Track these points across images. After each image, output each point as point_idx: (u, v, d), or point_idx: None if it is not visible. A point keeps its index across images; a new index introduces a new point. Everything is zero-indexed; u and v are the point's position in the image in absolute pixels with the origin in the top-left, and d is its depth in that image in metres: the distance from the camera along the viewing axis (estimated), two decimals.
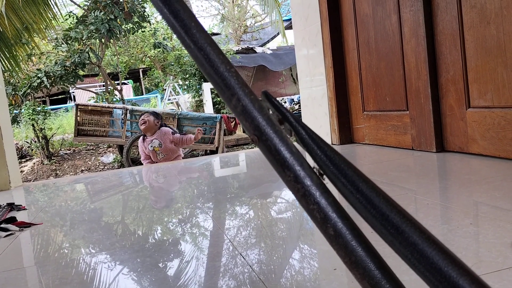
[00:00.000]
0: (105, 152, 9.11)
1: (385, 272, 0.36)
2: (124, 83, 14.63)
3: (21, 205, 2.07)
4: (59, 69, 8.77)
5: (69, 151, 9.40)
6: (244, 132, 9.92)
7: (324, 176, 0.40)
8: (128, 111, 7.31)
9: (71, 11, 9.54)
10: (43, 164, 8.38)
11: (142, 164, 6.83)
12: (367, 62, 2.65)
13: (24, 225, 1.66)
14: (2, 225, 1.63)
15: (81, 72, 9.39)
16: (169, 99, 13.26)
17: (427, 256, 0.31)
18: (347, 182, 0.38)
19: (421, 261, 0.32)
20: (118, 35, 9.20)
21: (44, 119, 8.48)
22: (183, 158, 4.48)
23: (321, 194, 0.39)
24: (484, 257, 0.89)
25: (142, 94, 17.45)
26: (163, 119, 4.56)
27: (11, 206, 2.03)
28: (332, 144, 3.01)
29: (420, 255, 0.32)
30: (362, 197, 0.36)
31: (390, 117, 2.50)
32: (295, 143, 0.43)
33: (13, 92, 8.70)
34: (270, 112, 0.44)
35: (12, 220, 1.70)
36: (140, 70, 16.69)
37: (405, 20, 2.25)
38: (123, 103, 9.66)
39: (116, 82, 11.49)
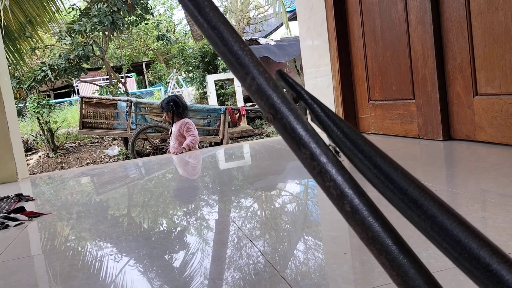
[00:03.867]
0: (110, 144, 9.14)
1: (402, 247, 0.36)
2: (128, 77, 14.64)
3: (29, 195, 2.09)
4: (63, 62, 8.78)
5: (74, 144, 9.44)
6: (248, 124, 9.92)
7: (340, 154, 0.40)
8: (132, 103, 7.32)
9: (74, 4, 9.53)
10: (49, 157, 8.42)
11: (148, 155, 6.87)
12: (373, 51, 2.64)
13: (33, 215, 1.67)
14: (12, 215, 1.64)
15: (85, 65, 9.40)
16: (172, 92, 13.26)
17: (446, 228, 0.31)
18: (364, 158, 0.37)
19: (440, 234, 0.31)
20: (121, 28, 9.18)
21: (49, 113, 8.51)
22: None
23: (337, 171, 0.39)
24: (494, 240, 0.88)
25: (146, 87, 17.45)
26: (179, 107, 4.42)
27: (20, 197, 2.04)
28: None
29: (440, 228, 0.31)
30: (380, 172, 0.36)
31: (396, 106, 2.49)
32: (310, 122, 0.43)
33: (18, 86, 8.72)
34: (285, 90, 0.44)
35: (21, 210, 1.72)
36: (143, 63, 16.68)
37: (411, 7, 2.23)
38: (128, 96, 9.67)
39: (120, 75, 11.50)
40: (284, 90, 0.44)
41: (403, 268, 0.36)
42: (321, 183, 0.40)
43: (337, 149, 0.40)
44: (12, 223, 1.57)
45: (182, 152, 3.78)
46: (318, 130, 0.43)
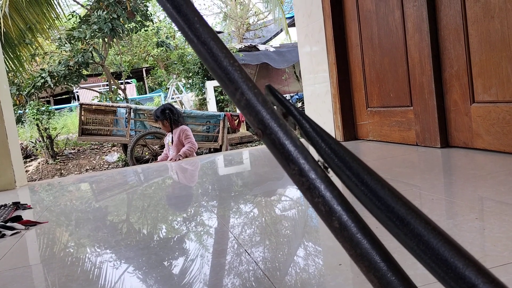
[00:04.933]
0: (109, 151, 9.14)
1: (390, 265, 0.36)
2: (128, 83, 14.67)
3: (26, 204, 2.09)
4: (63, 68, 8.79)
5: (74, 151, 9.43)
6: (247, 130, 9.93)
7: (329, 170, 0.40)
8: (132, 110, 7.33)
9: (74, 11, 9.56)
10: (48, 163, 8.42)
11: (147, 162, 6.87)
12: (371, 58, 2.65)
13: (29, 224, 1.67)
14: (8, 224, 1.64)
15: (84, 72, 9.41)
16: (172, 98, 13.28)
17: (432, 247, 0.31)
18: (352, 175, 0.37)
19: (426, 252, 0.31)
20: (121, 34, 9.21)
21: (49, 119, 8.51)
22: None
23: (326, 187, 0.39)
24: (489, 251, 0.89)
25: (146, 93, 17.47)
26: (174, 114, 4.39)
27: (17, 205, 2.04)
28: None
29: (426, 247, 0.31)
30: (367, 189, 0.36)
31: (394, 113, 2.49)
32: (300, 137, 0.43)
33: (17, 92, 8.73)
34: (274, 106, 0.44)
35: (18, 219, 1.71)
36: (143, 69, 16.71)
37: (409, 15, 2.24)
38: (127, 102, 9.68)
39: (119, 81, 11.52)
40: (274, 105, 0.45)
41: (392, 285, 0.36)
42: (310, 199, 0.40)
43: (326, 164, 0.40)
44: (8, 232, 1.56)
45: (179, 159, 3.76)
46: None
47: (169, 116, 4.30)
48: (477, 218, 1.10)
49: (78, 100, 15.21)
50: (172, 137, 4.32)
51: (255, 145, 8.69)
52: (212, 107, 11.47)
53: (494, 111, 1.85)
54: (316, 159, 0.40)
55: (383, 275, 0.36)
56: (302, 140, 0.42)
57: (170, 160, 3.97)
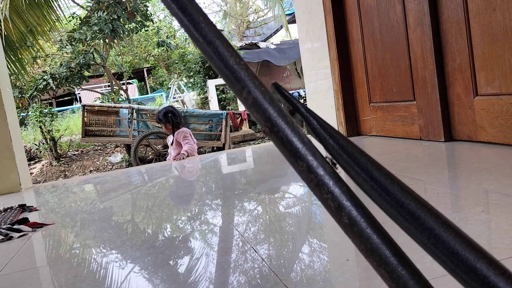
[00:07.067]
0: (112, 152, 9.16)
1: (401, 259, 0.36)
2: (129, 83, 14.68)
3: (32, 206, 2.10)
4: (64, 70, 8.81)
5: (77, 152, 9.46)
6: (250, 128, 9.93)
7: (337, 166, 0.41)
8: (134, 110, 7.34)
9: (74, 13, 9.58)
10: (52, 165, 8.44)
11: (151, 162, 6.88)
12: (372, 53, 2.64)
13: (36, 226, 1.67)
14: (15, 226, 1.65)
15: (86, 73, 9.43)
16: (174, 98, 13.29)
17: (443, 240, 0.31)
18: (361, 170, 0.38)
19: (438, 246, 0.32)
20: (121, 35, 9.22)
21: (51, 121, 8.54)
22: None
23: (335, 183, 0.39)
24: (496, 243, 0.89)
25: (147, 93, 17.48)
26: (176, 117, 4.43)
27: (23, 208, 2.05)
28: None
29: (437, 240, 0.32)
30: (377, 184, 0.36)
31: (397, 108, 2.49)
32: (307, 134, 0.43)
33: (20, 95, 8.77)
34: (281, 103, 0.44)
35: (25, 221, 1.72)
36: (145, 70, 16.73)
37: (410, 9, 2.23)
38: (129, 102, 9.69)
39: (121, 82, 11.54)
40: (281, 102, 0.45)
41: (402, 279, 0.36)
42: (319, 195, 0.40)
43: (334, 161, 0.40)
44: (16, 234, 1.57)
45: (183, 158, 3.77)
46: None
47: (172, 120, 4.34)
48: (483, 211, 1.10)
49: (80, 101, 15.24)
50: (173, 139, 4.35)
51: (258, 143, 8.70)
52: (214, 106, 11.47)
53: (497, 103, 1.85)
54: (324, 155, 0.40)
55: (394, 269, 0.36)
56: (310, 136, 0.43)
57: (173, 160, 3.98)
